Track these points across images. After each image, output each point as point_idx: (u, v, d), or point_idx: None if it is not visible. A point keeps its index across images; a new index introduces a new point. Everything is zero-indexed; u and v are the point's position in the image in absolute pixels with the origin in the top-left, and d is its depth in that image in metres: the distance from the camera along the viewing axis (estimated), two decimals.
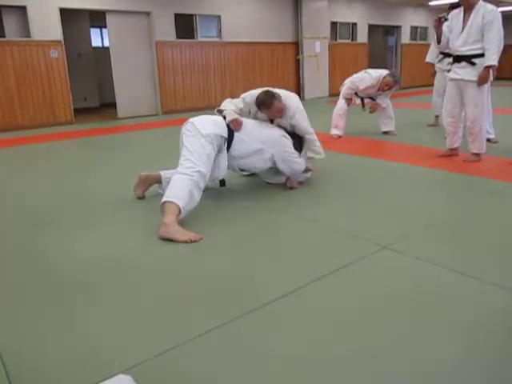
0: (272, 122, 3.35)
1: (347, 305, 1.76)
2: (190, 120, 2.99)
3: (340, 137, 5.49)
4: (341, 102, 5.57)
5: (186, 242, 2.37)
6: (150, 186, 3.21)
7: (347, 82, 5.50)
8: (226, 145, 2.98)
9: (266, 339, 1.55)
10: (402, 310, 1.71)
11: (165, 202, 2.54)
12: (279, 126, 3.34)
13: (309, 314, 1.70)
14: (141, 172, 3.18)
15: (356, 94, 5.51)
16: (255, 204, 3.05)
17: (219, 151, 2.94)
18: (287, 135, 3.26)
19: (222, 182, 3.27)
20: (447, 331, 1.56)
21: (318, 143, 3.45)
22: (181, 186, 2.60)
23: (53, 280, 2.04)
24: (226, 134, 2.96)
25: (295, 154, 3.25)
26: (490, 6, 3.73)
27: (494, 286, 1.85)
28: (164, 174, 3.15)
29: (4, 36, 7.07)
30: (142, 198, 3.17)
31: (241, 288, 1.91)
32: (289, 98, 3.31)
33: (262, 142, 3.10)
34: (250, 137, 3.08)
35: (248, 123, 3.16)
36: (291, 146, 3.24)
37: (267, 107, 3.16)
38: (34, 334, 1.62)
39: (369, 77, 5.32)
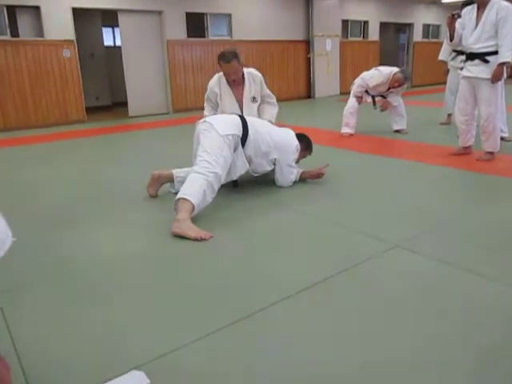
0: (243, 83, 3.58)
1: (357, 303, 1.75)
2: (207, 119, 3.00)
3: (351, 135, 5.46)
4: (352, 101, 5.54)
5: (197, 239, 2.39)
6: (162, 185, 3.23)
7: (358, 80, 5.48)
8: (240, 144, 2.99)
9: (279, 337, 1.55)
10: (414, 309, 1.70)
11: (179, 199, 2.56)
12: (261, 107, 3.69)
13: (321, 312, 1.70)
14: (153, 171, 3.20)
15: (367, 92, 5.49)
16: (266, 202, 3.05)
17: (234, 150, 2.96)
18: (293, 140, 3.28)
19: (235, 183, 3.28)
20: (460, 330, 1.55)
21: (277, 109, 3.80)
22: (196, 185, 2.62)
23: (66, 278, 2.07)
24: (241, 133, 2.98)
25: (295, 166, 3.36)
26: (504, 3, 3.68)
27: (509, 287, 1.84)
28: (176, 172, 3.17)
29: (18, 36, 7.16)
30: (154, 196, 3.19)
31: (253, 286, 1.92)
32: (249, 68, 3.69)
33: (269, 145, 3.13)
34: (260, 137, 3.09)
35: (256, 122, 3.18)
36: (295, 156, 3.30)
37: (226, 61, 3.40)
38: (49, 331, 1.65)
39: (379, 74, 5.29)
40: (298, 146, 3.30)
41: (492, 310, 1.67)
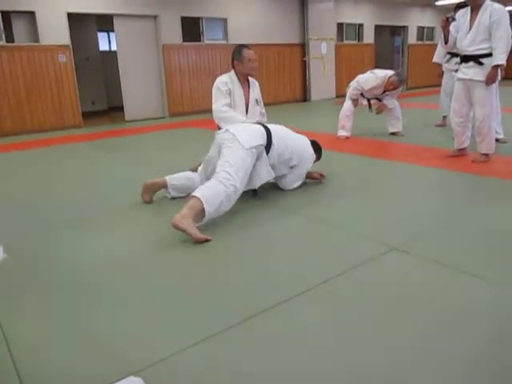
0: (248, 85, 3.65)
1: (356, 306, 1.75)
2: (230, 129, 2.90)
3: (347, 138, 5.48)
4: (347, 103, 5.56)
5: (199, 239, 2.37)
6: (156, 192, 3.21)
7: (353, 83, 5.51)
8: (264, 151, 2.94)
9: (278, 340, 1.55)
10: (413, 311, 1.70)
11: (195, 197, 2.49)
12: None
13: (320, 314, 1.70)
14: (145, 181, 3.16)
15: (362, 95, 5.51)
16: (266, 204, 3.05)
17: (258, 159, 2.90)
18: (310, 148, 3.31)
19: (254, 192, 3.23)
20: (459, 332, 1.55)
21: (265, 118, 3.84)
22: (215, 193, 2.55)
23: (64, 280, 2.06)
24: (265, 142, 2.93)
25: (304, 176, 3.39)
26: (497, 5, 3.71)
27: (506, 288, 1.84)
28: (170, 179, 3.15)
29: (13, 41, 7.15)
30: (149, 202, 3.18)
31: (252, 289, 1.92)
32: None
33: (292, 151, 3.13)
34: (283, 144, 3.07)
35: (278, 129, 3.14)
36: (311, 165, 3.36)
37: (250, 48, 3.57)
38: (46, 334, 1.64)
39: (374, 77, 5.32)
40: (314, 156, 3.32)
41: (491, 312, 1.68)
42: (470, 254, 2.20)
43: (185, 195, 3.16)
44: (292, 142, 3.16)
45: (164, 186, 3.17)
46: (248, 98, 3.65)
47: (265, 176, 2.97)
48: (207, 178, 2.96)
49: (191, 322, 1.69)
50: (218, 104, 3.50)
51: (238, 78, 3.59)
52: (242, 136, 2.83)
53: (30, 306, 1.86)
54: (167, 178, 3.17)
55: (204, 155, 3.04)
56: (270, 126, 3.10)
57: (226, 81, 3.55)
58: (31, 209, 3.22)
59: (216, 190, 2.57)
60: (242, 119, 3.43)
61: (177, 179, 3.15)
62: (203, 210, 2.48)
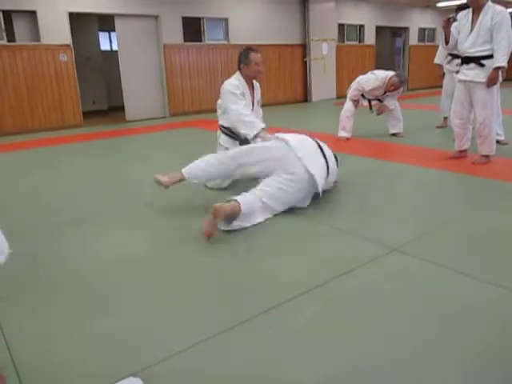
0: (252, 87, 3.67)
1: (356, 307, 1.75)
2: (301, 156, 2.82)
3: (348, 139, 5.47)
4: (348, 104, 5.56)
5: (207, 234, 2.43)
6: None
7: (354, 84, 5.51)
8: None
9: (278, 340, 1.55)
10: (412, 313, 1.70)
11: (239, 205, 2.54)
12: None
13: (320, 315, 1.70)
14: (164, 180, 2.92)
15: (363, 95, 5.51)
16: None
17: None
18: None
19: None
20: (458, 333, 1.55)
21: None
22: (256, 217, 2.67)
23: (64, 280, 2.06)
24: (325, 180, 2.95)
25: None
26: (499, 7, 3.71)
27: (506, 290, 1.84)
28: (188, 175, 2.92)
29: (14, 40, 7.15)
30: (167, 187, 2.94)
31: (252, 290, 1.92)
32: None
33: (334, 179, 3.20)
34: (333, 179, 3.14)
35: (333, 162, 3.11)
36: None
37: (257, 51, 3.53)
38: (46, 334, 1.64)
39: (375, 77, 5.32)
40: None
41: (489, 313, 1.68)
42: (470, 254, 2.20)
43: (206, 182, 3.21)
44: (336, 170, 3.17)
45: (182, 179, 2.95)
46: (253, 98, 3.68)
47: (300, 203, 2.95)
48: (233, 171, 2.96)
49: (191, 323, 1.69)
50: (239, 106, 3.45)
51: (245, 80, 3.60)
52: (315, 169, 2.83)
53: (31, 305, 1.86)
54: (185, 174, 2.93)
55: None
56: (328, 155, 3.02)
57: (237, 84, 3.54)
58: (31, 208, 3.22)
59: (260, 215, 2.69)
60: (262, 126, 3.41)
61: (196, 176, 2.95)
62: (238, 214, 2.55)
